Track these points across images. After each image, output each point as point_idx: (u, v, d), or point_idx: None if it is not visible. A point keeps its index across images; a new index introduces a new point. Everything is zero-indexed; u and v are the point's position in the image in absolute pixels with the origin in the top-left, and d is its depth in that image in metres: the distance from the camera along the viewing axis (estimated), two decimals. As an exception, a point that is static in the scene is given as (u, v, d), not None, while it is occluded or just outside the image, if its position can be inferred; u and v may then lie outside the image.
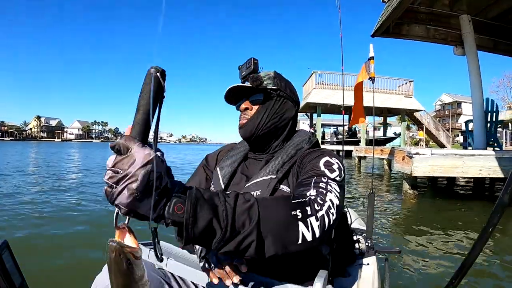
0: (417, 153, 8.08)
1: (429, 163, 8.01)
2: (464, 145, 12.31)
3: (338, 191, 1.07)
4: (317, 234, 0.91)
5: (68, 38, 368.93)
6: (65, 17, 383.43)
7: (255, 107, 1.37)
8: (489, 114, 10.20)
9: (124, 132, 0.76)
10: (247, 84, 1.32)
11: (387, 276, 1.99)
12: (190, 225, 0.73)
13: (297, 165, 1.29)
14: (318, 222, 0.91)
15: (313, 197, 0.97)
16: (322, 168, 1.14)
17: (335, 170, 1.14)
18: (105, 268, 1.04)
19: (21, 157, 24.20)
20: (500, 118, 10.73)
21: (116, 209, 0.71)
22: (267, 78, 1.37)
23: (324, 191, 1.01)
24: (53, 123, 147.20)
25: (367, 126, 24.83)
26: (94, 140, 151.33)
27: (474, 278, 3.54)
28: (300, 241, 0.88)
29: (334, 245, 1.40)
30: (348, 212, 2.10)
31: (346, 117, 27.07)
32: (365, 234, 2.40)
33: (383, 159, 14.57)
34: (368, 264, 1.92)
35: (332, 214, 0.97)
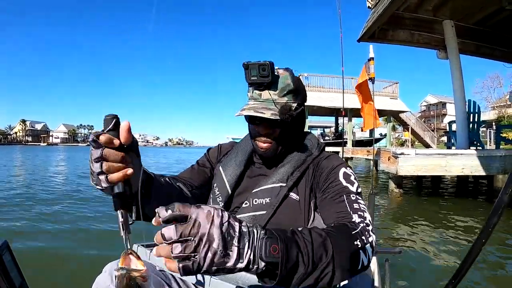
0: (402, 153, 8.47)
1: (414, 163, 8.39)
2: (448, 145, 12.67)
3: (365, 204, 1.12)
4: (371, 258, 0.94)
5: (53, 41, 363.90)
6: (50, 19, 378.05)
7: (277, 129, 1.26)
8: (472, 115, 10.56)
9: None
10: (271, 115, 1.18)
11: (387, 276, 2.00)
12: (284, 264, 0.72)
13: (312, 173, 1.27)
14: (371, 248, 0.95)
15: (362, 225, 0.99)
16: (344, 183, 1.16)
17: (354, 182, 1.17)
18: (106, 269, 1.12)
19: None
20: (484, 118, 11.10)
21: (124, 235, 0.75)
22: (288, 92, 1.24)
23: (363, 214, 1.05)
24: (39, 127, 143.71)
25: (354, 127, 24.94)
26: (80, 144, 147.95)
27: (474, 278, 3.63)
28: (360, 267, 0.90)
29: None
30: None
31: (342, 118, 27.37)
32: None
33: (370, 159, 14.89)
34: None
35: (374, 232, 1.01)
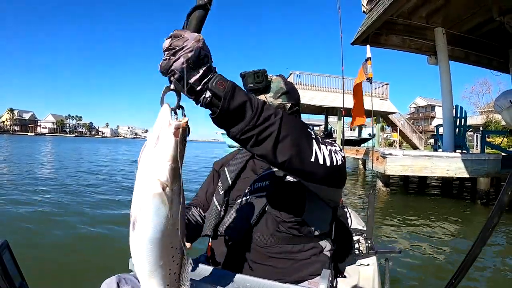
0: (390, 154, 8.87)
1: (401, 163, 8.79)
2: (435, 148, 13.05)
3: (341, 151, 1.18)
4: (327, 163, 1.03)
5: (41, 28, 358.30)
6: (39, 7, 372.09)
7: None
8: (458, 119, 10.92)
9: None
10: None
11: (387, 276, 2.04)
12: (228, 99, 0.83)
13: None
14: (328, 152, 1.04)
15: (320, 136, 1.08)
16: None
17: (335, 145, 1.19)
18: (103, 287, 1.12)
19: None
20: (472, 122, 11.46)
21: (165, 87, 0.84)
22: (281, 94, 1.38)
23: (330, 145, 1.12)
24: (26, 116, 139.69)
25: (343, 126, 25.08)
26: (68, 135, 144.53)
27: (474, 278, 3.67)
28: (313, 159, 0.99)
29: (334, 245, 1.47)
30: (348, 212, 2.05)
31: (326, 117, 27.57)
32: (365, 235, 2.41)
33: (358, 159, 15.20)
34: (368, 264, 2.03)
35: (338, 156, 1.10)
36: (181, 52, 0.78)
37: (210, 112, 0.87)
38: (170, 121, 0.78)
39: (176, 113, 0.83)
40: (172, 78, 0.81)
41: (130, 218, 0.77)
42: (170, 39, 0.80)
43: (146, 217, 0.76)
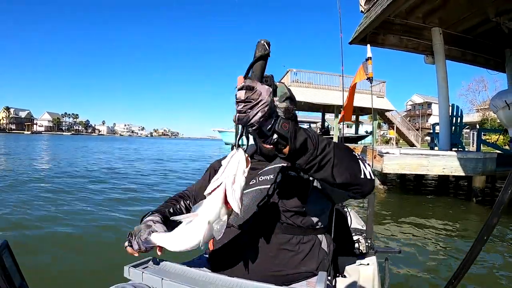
0: (387, 152, 8.93)
1: (398, 162, 8.88)
2: (431, 146, 13.13)
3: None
4: (371, 177, 1.18)
5: (37, 27, 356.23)
6: (35, 7, 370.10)
7: None
8: (454, 118, 11.08)
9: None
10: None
11: (387, 276, 2.03)
12: (292, 138, 0.97)
13: None
14: (369, 170, 1.19)
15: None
16: None
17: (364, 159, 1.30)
18: None
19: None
20: (468, 120, 11.53)
21: (240, 133, 1.02)
22: (286, 99, 1.50)
23: (364, 161, 1.23)
24: (23, 114, 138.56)
25: (342, 124, 25.04)
26: (64, 133, 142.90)
27: (473, 278, 3.61)
28: (362, 175, 1.13)
29: (334, 245, 1.50)
30: (348, 212, 2.11)
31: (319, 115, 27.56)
32: (364, 234, 2.40)
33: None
34: (368, 264, 1.98)
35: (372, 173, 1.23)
36: (258, 107, 0.91)
37: (277, 151, 1.03)
38: (245, 169, 1.03)
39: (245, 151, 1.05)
40: (250, 129, 0.97)
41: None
42: (244, 91, 0.91)
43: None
